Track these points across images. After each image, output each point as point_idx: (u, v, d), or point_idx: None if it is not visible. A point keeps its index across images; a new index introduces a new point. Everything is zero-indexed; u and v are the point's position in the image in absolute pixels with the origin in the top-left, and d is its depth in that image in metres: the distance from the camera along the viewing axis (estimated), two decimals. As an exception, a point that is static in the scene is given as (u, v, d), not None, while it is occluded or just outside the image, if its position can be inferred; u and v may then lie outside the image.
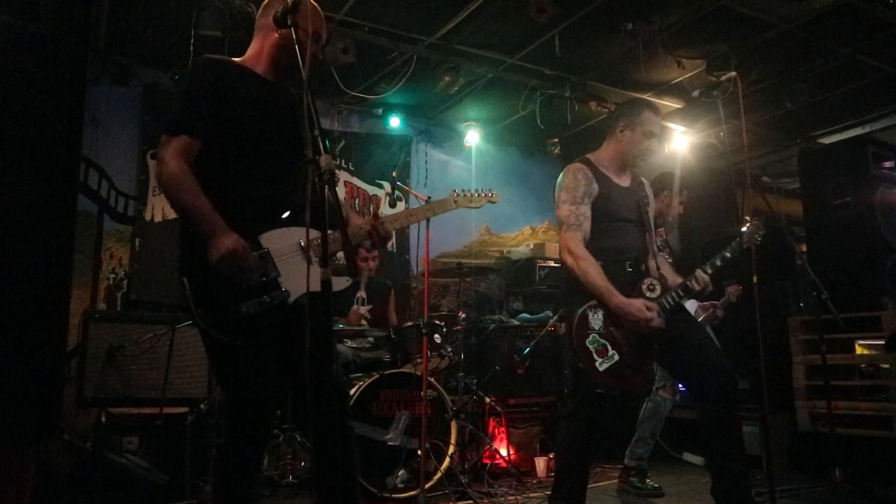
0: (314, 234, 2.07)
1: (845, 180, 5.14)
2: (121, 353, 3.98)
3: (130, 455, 4.17)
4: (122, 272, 5.45)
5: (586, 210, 2.94)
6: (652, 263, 3.09)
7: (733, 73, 2.58)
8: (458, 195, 2.73)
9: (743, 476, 2.73)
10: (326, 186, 1.74)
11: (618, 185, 3.05)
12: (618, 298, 2.79)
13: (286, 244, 2.15)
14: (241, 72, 2.26)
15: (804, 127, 7.05)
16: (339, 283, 2.12)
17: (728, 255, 3.00)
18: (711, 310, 4.45)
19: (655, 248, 3.19)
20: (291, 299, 2.11)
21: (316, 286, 1.98)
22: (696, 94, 2.89)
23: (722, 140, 2.74)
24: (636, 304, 2.78)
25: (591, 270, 2.82)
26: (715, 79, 4.54)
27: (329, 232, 1.96)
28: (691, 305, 4.22)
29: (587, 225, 2.93)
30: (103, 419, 3.94)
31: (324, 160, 1.74)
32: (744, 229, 3.08)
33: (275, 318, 2.12)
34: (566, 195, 2.96)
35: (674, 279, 3.07)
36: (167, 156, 2.07)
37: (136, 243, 5.51)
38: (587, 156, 3.12)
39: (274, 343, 2.17)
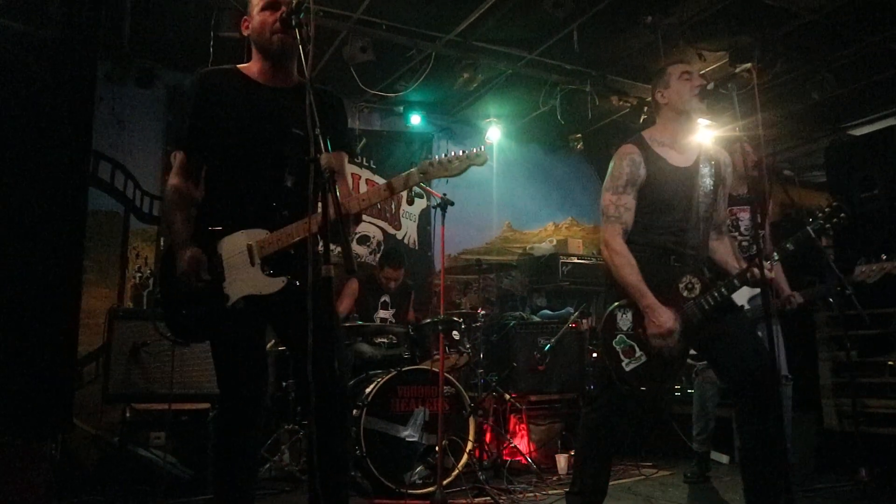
0: (262, 235, 2.12)
1: (873, 173, 5.01)
2: (145, 350, 4.05)
3: (156, 450, 4.25)
4: (148, 271, 5.56)
5: (628, 200, 2.80)
6: (717, 246, 2.94)
7: (748, 65, 2.50)
8: (427, 165, 2.07)
9: (772, 485, 2.53)
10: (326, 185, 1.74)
11: (673, 167, 2.84)
12: (649, 299, 2.67)
13: (238, 249, 2.14)
14: (230, 77, 2.25)
15: (833, 118, 6.88)
16: (274, 285, 2.10)
17: (790, 246, 2.79)
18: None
19: (723, 230, 3.02)
20: (229, 303, 2.12)
21: (255, 289, 2.10)
22: (710, 86, 2.80)
23: (740, 134, 2.64)
24: (664, 316, 2.64)
25: (626, 267, 2.70)
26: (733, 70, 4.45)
27: (276, 231, 2.05)
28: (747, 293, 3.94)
29: (628, 216, 2.80)
30: (128, 415, 4.01)
31: (324, 158, 1.73)
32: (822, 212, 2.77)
33: (241, 318, 2.14)
34: (609, 183, 2.84)
35: (735, 266, 2.90)
36: (172, 172, 2.29)
37: (162, 242, 5.60)
38: (642, 133, 2.94)
39: (247, 340, 2.22)
